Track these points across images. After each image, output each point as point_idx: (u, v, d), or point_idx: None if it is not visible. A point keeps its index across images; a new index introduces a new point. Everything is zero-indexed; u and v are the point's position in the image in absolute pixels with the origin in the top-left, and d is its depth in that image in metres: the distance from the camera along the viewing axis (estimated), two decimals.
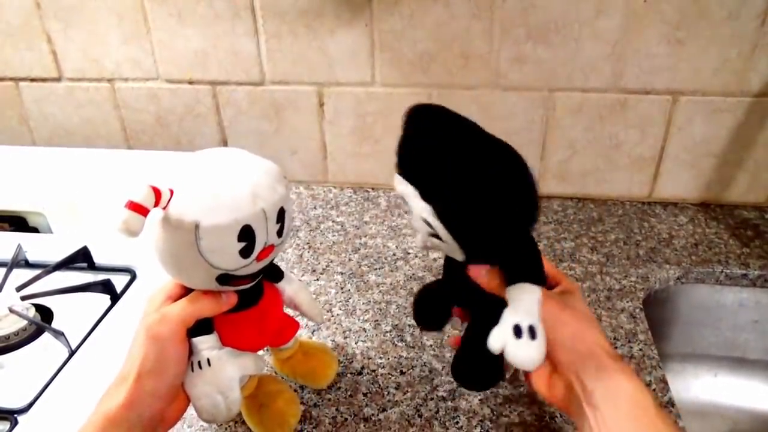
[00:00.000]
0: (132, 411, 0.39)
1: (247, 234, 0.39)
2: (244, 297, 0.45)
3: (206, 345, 0.44)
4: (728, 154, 0.78)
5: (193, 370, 0.43)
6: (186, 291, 0.44)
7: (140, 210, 0.36)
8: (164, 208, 0.38)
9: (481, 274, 0.43)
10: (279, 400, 0.51)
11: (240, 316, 0.46)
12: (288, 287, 0.51)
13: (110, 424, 0.38)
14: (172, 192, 0.38)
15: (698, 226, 0.78)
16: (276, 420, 0.50)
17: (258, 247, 0.40)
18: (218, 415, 0.43)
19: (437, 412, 0.52)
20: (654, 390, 0.54)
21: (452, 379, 0.55)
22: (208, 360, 0.43)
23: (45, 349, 0.61)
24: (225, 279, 0.41)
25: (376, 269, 0.71)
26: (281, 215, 0.41)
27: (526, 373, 0.43)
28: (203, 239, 0.38)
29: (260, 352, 0.50)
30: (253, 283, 0.45)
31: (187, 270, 0.40)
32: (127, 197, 0.36)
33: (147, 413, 0.40)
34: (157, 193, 0.37)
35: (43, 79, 0.89)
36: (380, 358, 0.58)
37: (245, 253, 0.39)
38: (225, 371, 0.43)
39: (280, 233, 0.42)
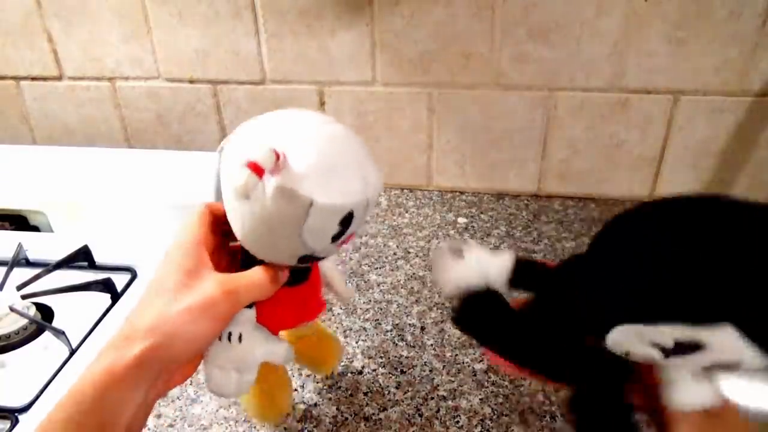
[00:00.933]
0: (142, 369, 0.33)
1: (347, 220, 0.36)
2: (297, 274, 0.42)
3: (244, 317, 0.39)
4: (729, 154, 0.78)
5: (220, 340, 0.38)
6: (219, 224, 0.39)
7: (258, 171, 0.33)
8: (277, 174, 0.33)
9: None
10: (272, 380, 0.49)
11: (285, 292, 0.42)
12: (324, 264, 0.47)
13: (113, 380, 0.32)
14: (284, 157, 0.33)
15: None
16: (267, 400, 0.49)
17: (347, 234, 0.37)
18: (226, 390, 0.40)
19: (438, 411, 0.52)
20: None
21: (452, 378, 0.55)
22: (240, 335, 0.39)
23: (45, 348, 0.61)
24: (304, 259, 0.37)
25: (376, 268, 0.71)
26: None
27: None
28: (311, 218, 0.34)
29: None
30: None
31: (275, 245, 0.36)
32: (246, 155, 0.33)
33: (157, 372, 0.34)
34: (277, 157, 0.33)
35: (44, 78, 0.89)
36: (381, 357, 0.58)
37: (336, 237, 0.36)
38: (253, 353, 0.39)
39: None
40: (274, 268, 0.38)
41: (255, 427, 0.51)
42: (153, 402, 0.35)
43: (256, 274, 0.37)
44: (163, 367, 0.34)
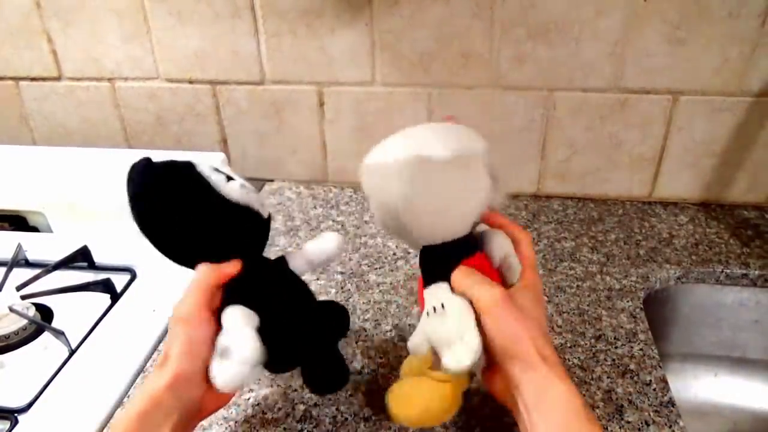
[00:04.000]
0: (173, 392, 0.40)
1: None
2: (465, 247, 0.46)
3: (440, 290, 0.44)
4: (728, 154, 0.78)
5: (428, 315, 0.43)
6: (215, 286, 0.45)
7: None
8: None
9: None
10: (422, 383, 0.45)
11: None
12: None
13: (153, 403, 0.39)
14: None
15: (698, 225, 0.78)
16: (403, 399, 0.45)
17: None
18: (474, 357, 0.40)
19: None
20: (654, 390, 0.54)
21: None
22: (442, 305, 0.43)
23: (45, 348, 0.61)
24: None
25: (376, 269, 0.71)
26: None
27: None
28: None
29: None
30: None
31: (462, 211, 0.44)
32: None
33: (186, 397, 0.41)
34: None
35: (43, 79, 0.89)
36: (380, 357, 0.58)
37: None
38: (461, 311, 0.42)
39: None
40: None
41: (255, 427, 0.51)
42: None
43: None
44: (190, 389, 0.41)
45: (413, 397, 0.45)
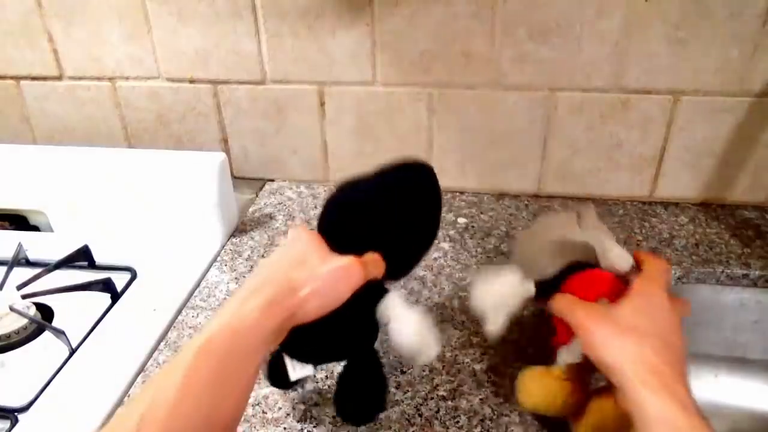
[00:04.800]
0: (298, 310, 0.40)
1: None
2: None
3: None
4: (729, 154, 0.78)
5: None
6: None
7: None
8: None
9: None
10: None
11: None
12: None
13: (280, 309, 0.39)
14: None
15: (699, 226, 0.78)
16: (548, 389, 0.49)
17: None
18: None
19: (438, 411, 0.52)
20: None
21: (452, 378, 0.55)
22: None
23: (45, 347, 0.61)
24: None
25: None
26: None
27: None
28: None
29: None
30: None
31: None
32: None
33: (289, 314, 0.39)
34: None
35: (44, 78, 0.89)
36: (380, 357, 0.58)
37: None
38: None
39: None
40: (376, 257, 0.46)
41: (255, 427, 0.51)
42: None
43: (371, 256, 0.45)
44: (294, 315, 0.40)
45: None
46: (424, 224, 0.51)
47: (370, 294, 0.46)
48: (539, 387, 0.49)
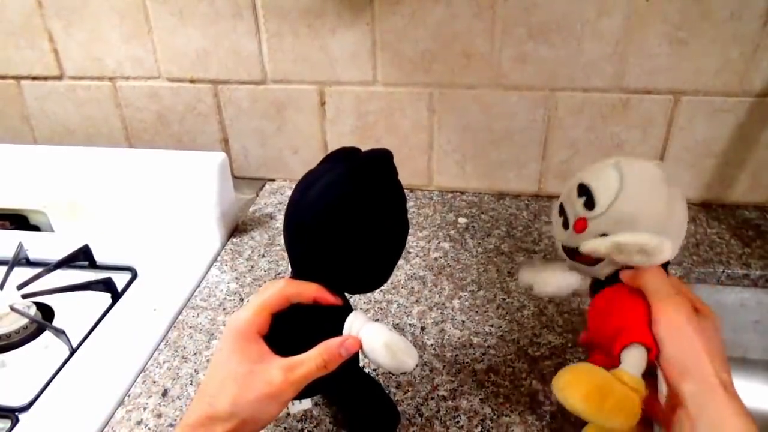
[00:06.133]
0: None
1: (561, 209, 0.51)
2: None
3: None
4: (730, 154, 0.78)
5: None
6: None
7: None
8: None
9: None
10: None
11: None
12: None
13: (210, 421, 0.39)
14: None
15: (699, 226, 0.78)
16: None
17: (570, 220, 0.48)
18: None
19: (438, 411, 0.52)
20: None
21: (452, 378, 0.55)
22: None
23: (46, 347, 0.61)
24: (569, 253, 0.49)
25: None
26: (582, 190, 0.48)
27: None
28: None
29: None
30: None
31: None
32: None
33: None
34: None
35: (45, 78, 0.89)
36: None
37: (565, 225, 0.49)
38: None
39: (589, 206, 0.46)
40: (328, 351, 0.42)
41: None
42: None
43: (313, 360, 0.41)
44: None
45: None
46: (375, 233, 0.42)
47: (330, 320, 0.43)
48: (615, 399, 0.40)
